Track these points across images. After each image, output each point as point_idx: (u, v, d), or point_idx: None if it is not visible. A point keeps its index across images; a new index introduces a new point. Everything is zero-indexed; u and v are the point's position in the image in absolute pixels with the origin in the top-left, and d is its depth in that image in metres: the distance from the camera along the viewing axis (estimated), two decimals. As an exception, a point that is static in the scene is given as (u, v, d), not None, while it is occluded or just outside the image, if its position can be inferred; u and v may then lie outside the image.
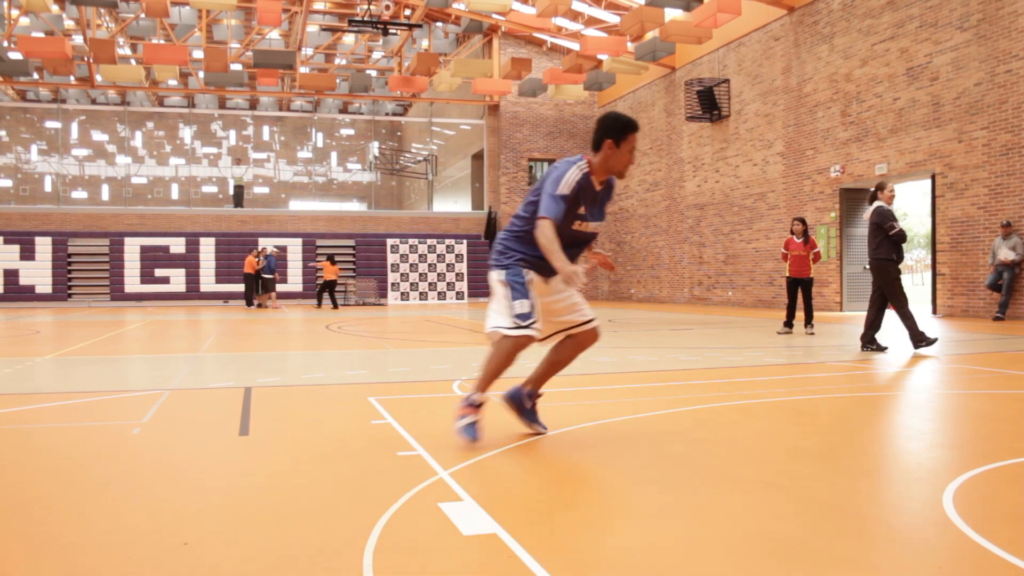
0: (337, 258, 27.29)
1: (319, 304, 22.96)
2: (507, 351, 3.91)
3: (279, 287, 26.29)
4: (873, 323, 8.56)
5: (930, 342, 8.26)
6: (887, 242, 8.48)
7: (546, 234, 3.81)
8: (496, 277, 4.07)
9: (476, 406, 3.96)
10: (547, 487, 3.28)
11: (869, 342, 8.57)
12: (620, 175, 4.05)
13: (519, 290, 3.94)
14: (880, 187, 8.68)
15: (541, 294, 4.07)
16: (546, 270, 4.03)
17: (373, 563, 2.34)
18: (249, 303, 23.36)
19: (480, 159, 30.32)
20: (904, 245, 8.64)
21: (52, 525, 2.77)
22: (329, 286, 22.51)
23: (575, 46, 24.94)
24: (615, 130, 3.96)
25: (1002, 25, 14.04)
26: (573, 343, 4.28)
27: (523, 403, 4.26)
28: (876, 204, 8.62)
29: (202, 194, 33.12)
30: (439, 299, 27.92)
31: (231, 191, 29.61)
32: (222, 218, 27.50)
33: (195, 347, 10.16)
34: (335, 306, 22.67)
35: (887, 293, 8.54)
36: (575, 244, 4.09)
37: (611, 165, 3.99)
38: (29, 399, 5.77)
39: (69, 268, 25.79)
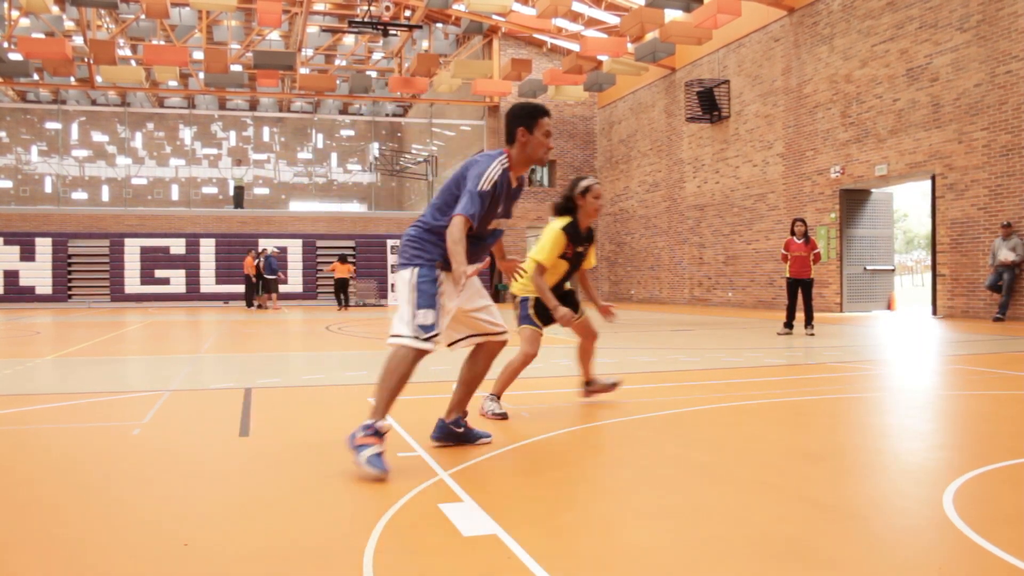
0: (336, 258, 27.32)
1: (341, 305, 22.86)
2: (405, 364, 3.62)
3: (280, 288, 26.31)
4: None
5: None
6: None
7: (454, 234, 3.55)
8: (405, 277, 3.72)
9: (381, 435, 3.46)
10: (547, 488, 3.28)
11: None
12: (540, 162, 3.90)
13: (426, 298, 3.63)
14: None
15: (453, 295, 3.78)
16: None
17: (373, 564, 2.34)
18: (249, 304, 23.35)
19: (480, 160, 30.28)
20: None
21: (53, 525, 2.77)
22: (341, 285, 22.55)
23: (575, 47, 24.94)
24: (524, 117, 3.83)
25: (1002, 26, 14.05)
26: (484, 354, 4.14)
27: (455, 434, 4.01)
28: None
29: (202, 195, 33.13)
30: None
31: (231, 192, 29.62)
32: (222, 219, 27.50)
33: (195, 348, 10.17)
34: (340, 306, 22.69)
35: None
36: (486, 243, 3.92)
37: (529, 154, 3.85)
38: (29, 400, 5.77)
39: (69, 269, 25.79)
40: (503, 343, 4.13)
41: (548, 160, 3.95)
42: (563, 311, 4.79)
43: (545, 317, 5.05)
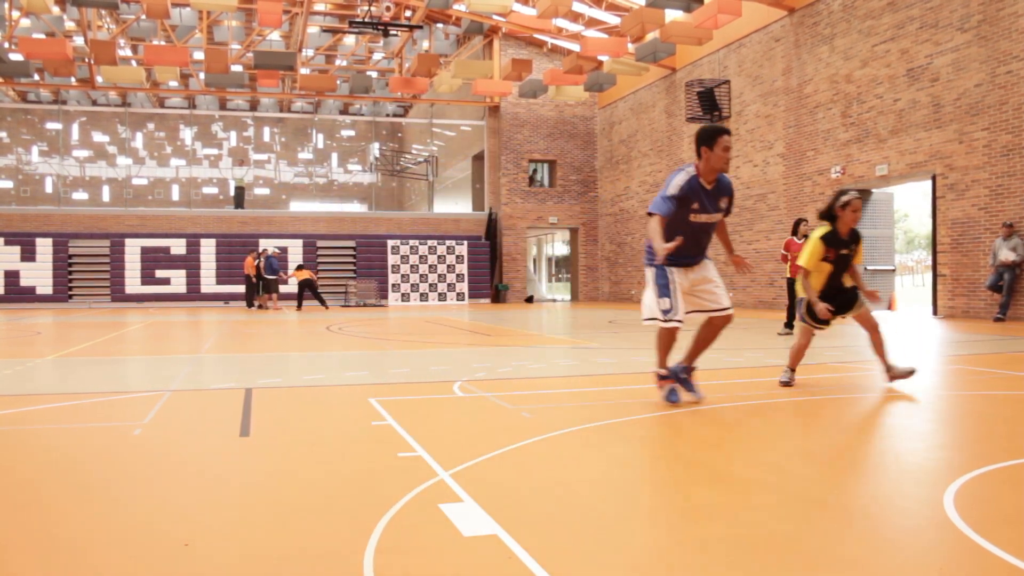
0: (337, 259, 27.32)
1: (300, 306, 22.88)
2: (664, 337, 5.16)
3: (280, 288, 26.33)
4: None
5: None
6: None
7: (650, 225, 4.92)
8: (647, 274, 5.20)
9: (664, 377, 5.20)
10: (547, 488, 3.28)
11: None
12: (723, 170, 5.05)
13: (663, 290, 5.05)
14: None
15: (684, 281, 5.12)
16: (683, 263, 5.11)
17: (373, 564, 2.34)
18: (249, 304, 23.36)
19: (481, 160, 30.34)
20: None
21: (54, 525, 2.77)
22: (307, 286, 22.58)
23: (575, 47, 24.94)
24: (704, 138, 4.98)
25: (1003, 26, 14.05)
26: (710, 326, 5.27)
27: (679, 376, 5.27)
28: None
29: (203, 195, 33.14)
30: (440, 300, 27.93)
31: (232, 192, 29.62)
32: (223, 219, 27.51)
33: (196, 348, 10.17)
34: (324, 305, 22.90)
35: None
36: (699, 231, 5.10)
37: (712, 165, 4.99)
38: (30, 400, 5.77)
39: (70, 269, 25.80)
40: (726, 318, 5.22)
41: (728, 168, 5.10)
42: (820, 306, 5.69)
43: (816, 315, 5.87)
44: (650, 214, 4.93)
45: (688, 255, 5.09)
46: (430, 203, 32.40)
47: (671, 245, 4.77)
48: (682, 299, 5.04)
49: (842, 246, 5.78)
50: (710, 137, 4.95)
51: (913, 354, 8.52)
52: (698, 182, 5.01)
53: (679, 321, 5.03)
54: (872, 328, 5.93)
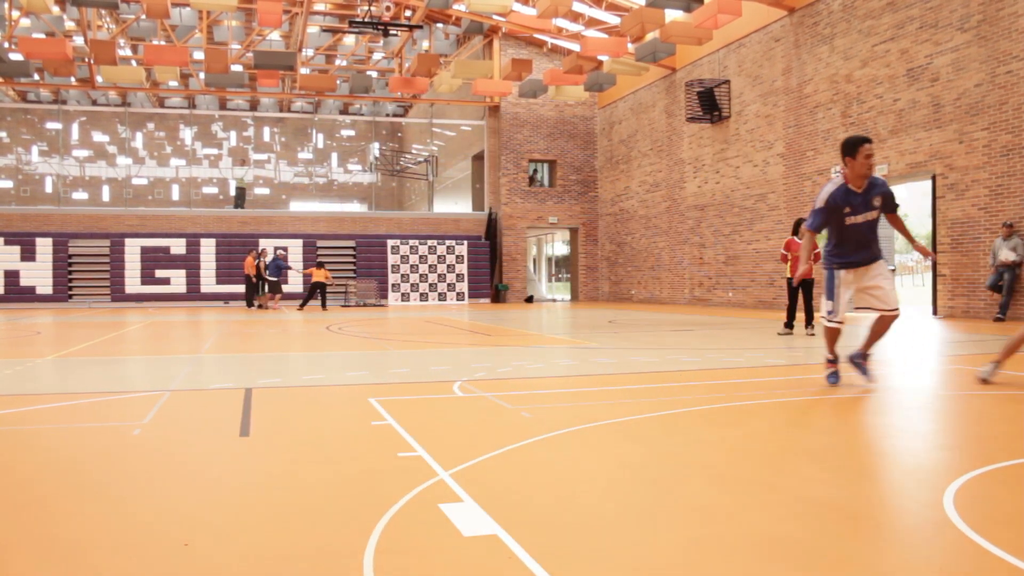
0: (337, 259, 27.32)
1: (304, 305, 22.91)
2: (829, 333, 5.96)
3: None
4: None
5: None
6: None
7: (803, 239, 5.94)
8: (825, 275, 5.91)
9: (831, 361, 6.00)
10: (547, 488, 3.28)
11: None
12: (868, 175, 5.62)
13: (829, 291, 5.84)
14: None
15: (853, 281, 5.76)
16: (851, 263, 5.73)
17: (374, 564, 2.34)
18: (250, 304, 23.37)
19: (481, 160, 30.34)
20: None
21: (53, 525, 2.77)
22: (319, 287, 22.71)
23: (575, 47, 24.94)
24: (846, 148, 5.60)
25: (1002, 26, 14.05)
26: (881, 322, 5.81)
27: (856, 361, 5.92)
28: None
29: (203, 195, 33.15)
30: (440, 300, 27.93)
31: (232, 192, 29.61)
32: (223, 219, 27.51)
33: (196, 348, 10.17)
34: (324, 307, 22.89)
35: None
36: (858, 231, 5.67)
37: (856, 172, 5.59)
38: (30, 400, 5.77)
39: (70, 269, 25.79)
40: (891, 317, 5.75)
41: (872, 172, 5.63)
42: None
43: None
44: (806, 229, 5.82)
45: (854, 256, 5.70)
46: (430, 203, 32.41)
47: (807, 268, 5.83)
48: (845, 301, 5.77)
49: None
50: (852, 147, 5.55)
51: (913, 354, 8.52)
52: (846, 188, 5.61)
53: (839, 322, 5.84)
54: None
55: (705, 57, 22.73)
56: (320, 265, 23.18)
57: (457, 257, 27.91)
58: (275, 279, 22.60)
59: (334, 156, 34.97)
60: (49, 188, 31.16)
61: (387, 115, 33.44)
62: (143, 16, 22.15)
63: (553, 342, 10.62)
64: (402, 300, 27.51)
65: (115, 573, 2.33)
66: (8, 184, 31.43)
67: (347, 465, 3.64)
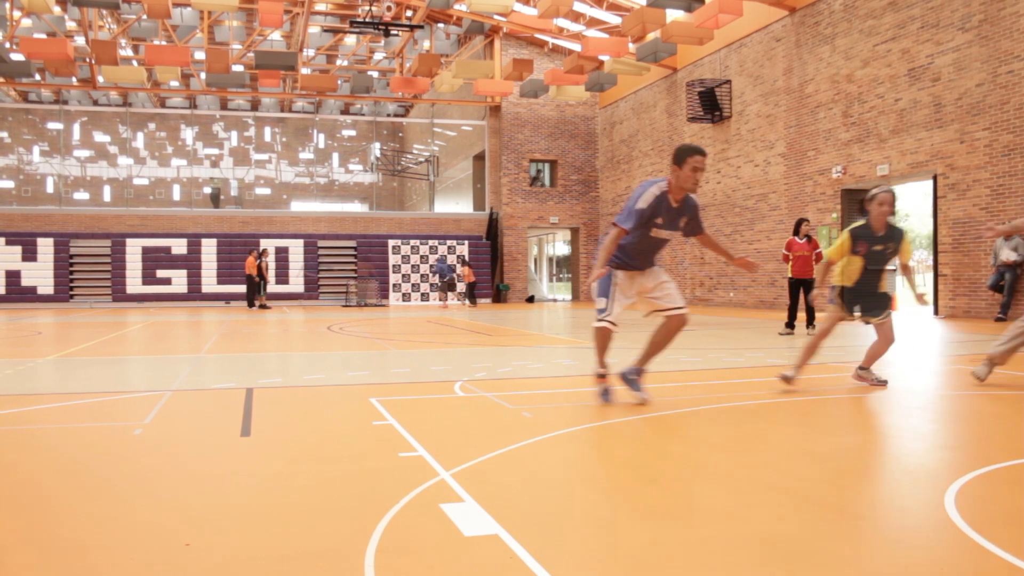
0: (338, 259, 27.35)
1: (474, 302, 24.92)
2: (596, 336, 5.25)
3: (281, 288, 26.33)
4: None
5: None
6: None
7: (609, 238, 5.00)
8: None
9: (600, 376, 5.24)
10: (548, 488, 3.28)
11: None
12: (691, 190, 5.05)
13: (603, 289, 5.17)
14: None
15: (629, 285, 5.22)
16: (633, 266, 5.22)
17: (374, 564, 2.34)
18: (251, 304, 23.38)
19: (481, 160, 30.34)
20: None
21: (54, 525, 2.78)
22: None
23: (576, 47, 24.94)
24: (677, 156, 5.00)
25: (1004, 26, 14.04)
26: (667, 327, 5.27)
27: (628, 378, 5.33)
28: None
29: (204, 195, 33.17)
30: (440, 300, 27.93)
31: (208, 191, 29.61)
32: (224, 219, 27.52)
33: (197, 348, 10.17)
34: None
35: None
36: (655, 244, 5.19)
37: (680, 184, 5.01)
38: (31, 400, 5.77)
39: (71, 269, 25.81)
40: (680, 318, 5.25)
41: (696, 188, 5.04)
42: (814, 293, 6.15)
43: (851, 302, 5.94)
44: (615, 224, 5.01)
45: (636, 259, 5.20)
46: (431, 203, 32.40)
47: (601, 272, 5.02)
48: (620, 303, 5.17)
49: (876, 242, 5.79)
50: (682, 156, 4.99)
51: (914, 354, 8.52)
52: (667, 199, 5.04)
53: (612, 323, 5.15)
54: (886, 340, 5.94)
55: (706, 57, 22.72)
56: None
57: (458, 257, 27.91)
58: (446, 279, 24.38)
59: (335, 156, 34.98)
60: (50, 188, 31.18)
61: (388, 115, 33.44)
62: (144, 16, 22.16)
63: (554, 342, 10.62)
64: (403, 300, 27.51)
65: (116, 573, 2.33)
66: (9, 184, 31.45)
67: (348, 465, 3.64)
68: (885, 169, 16.46)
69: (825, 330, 5.97)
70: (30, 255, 25.34)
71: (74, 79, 26.17)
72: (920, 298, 5.97)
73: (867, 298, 5.88)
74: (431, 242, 27.83)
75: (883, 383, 5.95)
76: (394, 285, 27.43)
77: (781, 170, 19.71)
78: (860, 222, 5.87)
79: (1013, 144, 13.91)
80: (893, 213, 5.77)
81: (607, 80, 23.33)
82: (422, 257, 27.63)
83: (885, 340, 5.92)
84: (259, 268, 23.09)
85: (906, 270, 6.04)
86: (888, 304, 5.97)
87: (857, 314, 5.94)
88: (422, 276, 27.70)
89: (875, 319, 5.91)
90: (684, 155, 4.97)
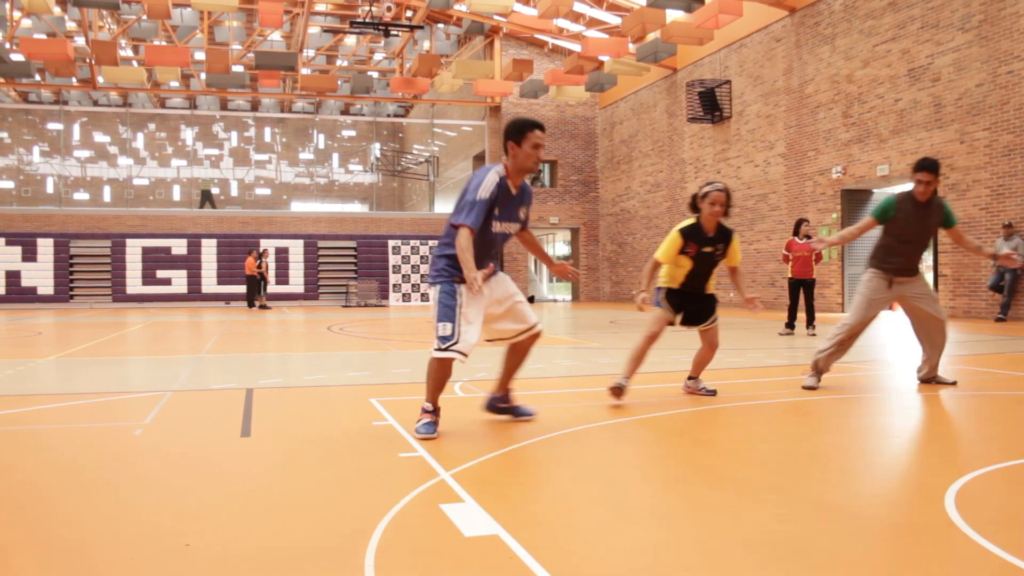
0: (338, 259, 27.35)
1: None
2: (435, 369, 4.19)
3: (281, 288, 26.34)
4: None
5: None
6: None
7: (461, 243, 4.00)
8: (431, 294, 4.26)
9: (429, 411, 4.25)
10: (548, 488, 3.28)
11: None
12: (531, 171, 4.26)
13: (445, 311, 4.11)
14: None
15: (478, 300, 4.18)
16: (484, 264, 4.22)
17: (375, 564, 2.34)
18: (251, 304, 23.38)
19: (482, 160, 30.33)
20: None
21: (55, 525, 2.78)
22: None
23: (576, 47, 24.94)
24: (514, 133, 4.24)
25: (1004, 26, 14.04)
26: (519, 348, 4.53)
27: (496, 406, 4.68)
28: None
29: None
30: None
31: (196, 195, 29.60)
32: (224, 219, 27.52)
33: (197, 348, 10.17)
34: None
35: None
36: (495, 241, 4.34)
37: (520, 164, 4.23)
38: (31, 400, 5.77)
39: (71, 270, 25.81)
40: (532, 337, 4.51)
41: (538, 169, 4.11)
42: (639, 297, 5.24)
43: (677, 305, 5.45)
44: (456, 226, 4.05)
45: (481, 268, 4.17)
46: (431, 203, 32.40)
47: (484, 272, 4.12)
48: (473, 326, 4.13)
49: (706, 243, 5.32)
50: (519, 131, 4.20)
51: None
52: (506, 184, 4.21)
53: (463, 354, 4.07)
54: (711, 347, 5.56)
55: (706, 57, 22.72)
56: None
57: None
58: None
59: (335, 156, 34.98)
60: (50, 189, 31.18)
61: (388, 115, 33.44)
62: (144, 16, 22.16)
63: (554, 342, 10.62)
64: (403, 300, 27.51)
65: (116, 573, 2.33)
66: (9, 184, 31.45)
67: (348, 465, 3.64)
68: (885, 169, 16.47)
69: (653, 334, 5.40)
70: (30, 255, 25.34)
71: (74, 79, 26.18)
72: (750, 302, 5.39)
73: (693, 302, 5.45)
74: (431, 242, 27.83)
75: (712, 392, 5.56)
76: (394, 285, 27.43)
77: (781, 170, 19.71)
78: (690, 221, 5.39)
79: (1013, 144, 13.92)
80: (726, 214, 5.29)
81: (607, 80, 23.33)
82: (422, 257, 27.64)
83: (710, 347, 5.56)
84: (259, 268, 23.12)
85: (734, 273, 5.62)
86: (715, 308, 5.54)
87: (679, 322, 5.47)
88: (422, 276, 27.70)
89: (701, 326, 5.49)
90: (523, 130, 4.20)
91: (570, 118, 29.11)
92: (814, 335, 11.12)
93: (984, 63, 14.39)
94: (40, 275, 25.40)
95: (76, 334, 13.05)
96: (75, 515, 2.92)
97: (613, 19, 23.52)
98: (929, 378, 6.14)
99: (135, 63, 26.40)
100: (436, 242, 4.38)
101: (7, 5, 22.09)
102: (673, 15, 19.95)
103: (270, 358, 9.00)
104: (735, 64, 21.49)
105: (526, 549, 2.44)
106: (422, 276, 27.69)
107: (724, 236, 5.41)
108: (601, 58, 23.03)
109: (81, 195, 32.25)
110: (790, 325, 11.62)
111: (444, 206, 34.72)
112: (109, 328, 14.70)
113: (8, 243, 25.26)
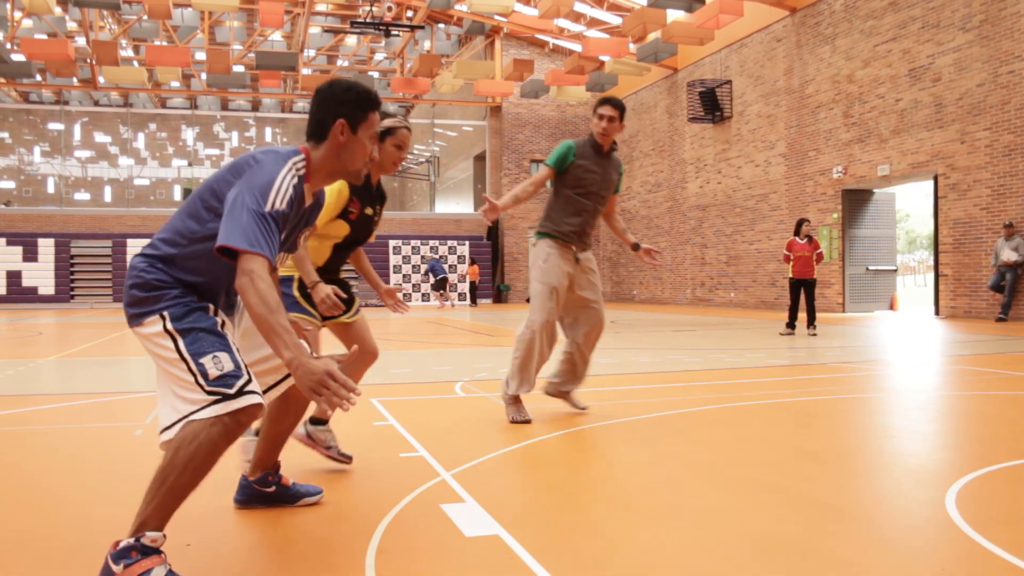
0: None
1: (474, 303, 25.91)
2: (209, 449, 2.31)
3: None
4: None
5: None
6: None
7: (260, 287, 2.17)
8: (148, 332, 2.48)
9: (155, 552, 2.16)
10: (549, 488, 3.28)
11: None
12: (354, 177, 2.52)
13: (205, 337, 2.32)
14: None
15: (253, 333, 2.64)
16: (227, 304, 2.56)
17: (375, 563, 2.34)
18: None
19: (482, 160, 30.34)
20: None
21: (55, 526, 2.78)
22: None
23: (577, 47, 24.95)
24: (348, 105, 2.42)
25: (1004, 26, 14.04)
26: (293, 405, 2.94)
27: (266, 494, 3.01)
28: None
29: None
30: (439, 301, 27.92)
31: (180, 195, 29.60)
32: (224, 219, 27.51)
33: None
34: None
35: None
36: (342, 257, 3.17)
37: (344, 162, 2.45)
38: (32, 400, 5.78)
39: (72, 270, 25.83)
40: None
41: (364, 179, 2.62)
42: (324, 291, 3.29)
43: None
44: (247, 253, 2.27)
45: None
46: (431, 203, 32.41)
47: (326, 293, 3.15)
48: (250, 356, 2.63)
49: (372, 202, 3.51)
50: (357, 106, 2.44)
51: (915, 354, 8.51)
52: (301, 190, 2.42)
53: (255, 390, 2.33)
54: (370, 355, 3.61)
55: (707, 57, 22.72)
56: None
57: (459, 258, 27.91)
58: (439, 277, 24.60)
59: (336, 156, 34.96)
60: (51, 189, 31.19)
61: (389, 115, 33.39)
62: (145, 17, 22.18)
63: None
64: (403, 300, 27.49)
65: (117, 573, 2.32)
66: (10, 184, 31.46)
67: (348, 465, 3.64)
68: (886, 169, 16.46)
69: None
70: (31, 256, 25.36)
71: (75, 80, 26.19)
72: (392, 296, 3.84)
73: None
74: (432, 242, 27.83)
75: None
76: (395, 285, 27.40)
77: (782, 170, 19.71)
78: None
79: (1014, 144, 13.91)
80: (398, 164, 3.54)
81: (608, 80, 23.34)
82: (423, 258, 27.63)
83: (372, 354, 3.64)
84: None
85: (360, 257, 3.77)
86: (354, 295, 3.64)
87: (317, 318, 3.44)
88: (423, 276, 27.70)
89: (349, 316, 3.58)
90: (365, 108, 2.44)
91: (571, 118, 29.11)
92: (815, 335, 11.12)
93: (985, 63, 14.39)
94: (41, 275, 25.41)
95: (77, 334, 13.06)
96: (75, 515, 2.92)
97: (614, 19, 23.52)
98: (559, 393, 5.01)
99: (136, 63, 26.42)
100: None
101: (8, 5, 22.11)
102: (674, 15, 19.96)
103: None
104: (736, 64, 21.49)
105: (526, 549, 2.44)
106: (423, 276, 27.68)
107: (383, 196, 3.64)
108: (602, 58, 23.03)
109: (82, 195, 32.26)
110: (791, 325, 11.61)
111: (444, 206, 34.74)
112: (110, 328, 14.70)
113: (9, 243, 25.27)
